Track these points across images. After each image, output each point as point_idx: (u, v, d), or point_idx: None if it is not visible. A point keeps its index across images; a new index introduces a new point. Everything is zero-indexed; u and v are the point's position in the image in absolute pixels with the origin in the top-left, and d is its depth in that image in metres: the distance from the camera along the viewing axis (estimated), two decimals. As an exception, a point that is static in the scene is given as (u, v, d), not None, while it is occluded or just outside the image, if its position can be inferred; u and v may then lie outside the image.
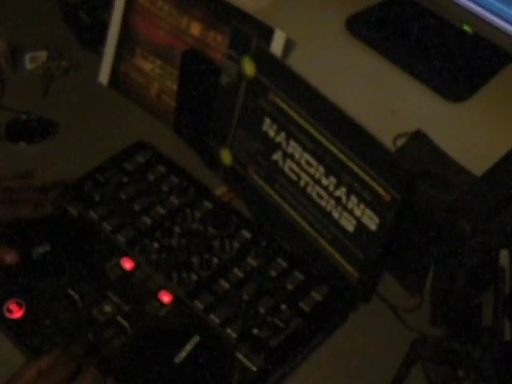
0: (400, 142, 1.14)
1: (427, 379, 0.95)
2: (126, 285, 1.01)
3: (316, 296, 1.00)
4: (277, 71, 1.02)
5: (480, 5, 1.19)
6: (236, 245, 1.05)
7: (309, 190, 1.03)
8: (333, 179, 0.99)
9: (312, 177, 1.02)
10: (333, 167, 0.98)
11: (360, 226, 0.97)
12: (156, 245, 1.05)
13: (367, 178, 0.94)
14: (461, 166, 1.10)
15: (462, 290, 0.97)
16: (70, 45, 1.35)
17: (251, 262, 1.03)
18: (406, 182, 0.91)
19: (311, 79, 0.99)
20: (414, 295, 1.03)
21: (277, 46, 1.13)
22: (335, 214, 1.00)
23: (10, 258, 1.00)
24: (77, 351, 0.89)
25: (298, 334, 0.97)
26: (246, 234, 1.06)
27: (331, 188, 1.00)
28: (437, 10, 1.27)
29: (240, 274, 1.02)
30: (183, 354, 0.93)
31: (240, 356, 0.94)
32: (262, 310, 0.98)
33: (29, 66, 1.33)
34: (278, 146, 1.05)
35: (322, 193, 1.01)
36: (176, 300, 0.99)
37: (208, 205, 1.10)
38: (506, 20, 1.16)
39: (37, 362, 0.86)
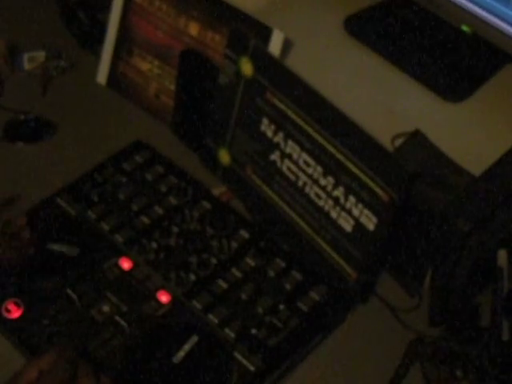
0: (398, 142, 1.14)
1: (425, 379, 0.95)
2: (125, 285, 1.01)
3: (314, 296, 1.00)
4: (275, 71, 1.02)
5: (478, 5, 1.19)
6: (234, 245, 1.05)
7: (307, 189, 1.03)
8: (331, 179, 0.99)
9: (310, 177, 1.02)
10: (331, 167, 0.98)
11: (358, 226, 0.97)
12: (154, 245, 1.05)
13: (365, 178, 0.94)
14: (459, 165, 1.10)
15: (461, 290, 0.97)
16: (68, 45, 1.35)
17: (249, 261, 1.03)
18: (404, 182, 0.91)
19: (309, 79, 0.99)
20: (412, 295, 1.03)
21: (275, 46, 1.13)
22: (333, 214, 1.00)
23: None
24: (73, 354, 0.88)
25: (296, 333, 0.97)
26: (245, 233, 1.06)
27: (329, 188, 1.00)
28: (435, 10, 1.26)
29: (238, 274, 1.02)
30: (181, 353, 0.93)
31: (238, 356, 0.94)
32: (260, 310, 0.98)
33: (27, 65, 1.33)
34: (276, 146, 1.05)
35: (320, 193, 1.01)
36: (174, 300, 0.99)
37: (206, 205, 1.10)
38: (504, 20, 1.16)
39: (37, 362, 0.86)
